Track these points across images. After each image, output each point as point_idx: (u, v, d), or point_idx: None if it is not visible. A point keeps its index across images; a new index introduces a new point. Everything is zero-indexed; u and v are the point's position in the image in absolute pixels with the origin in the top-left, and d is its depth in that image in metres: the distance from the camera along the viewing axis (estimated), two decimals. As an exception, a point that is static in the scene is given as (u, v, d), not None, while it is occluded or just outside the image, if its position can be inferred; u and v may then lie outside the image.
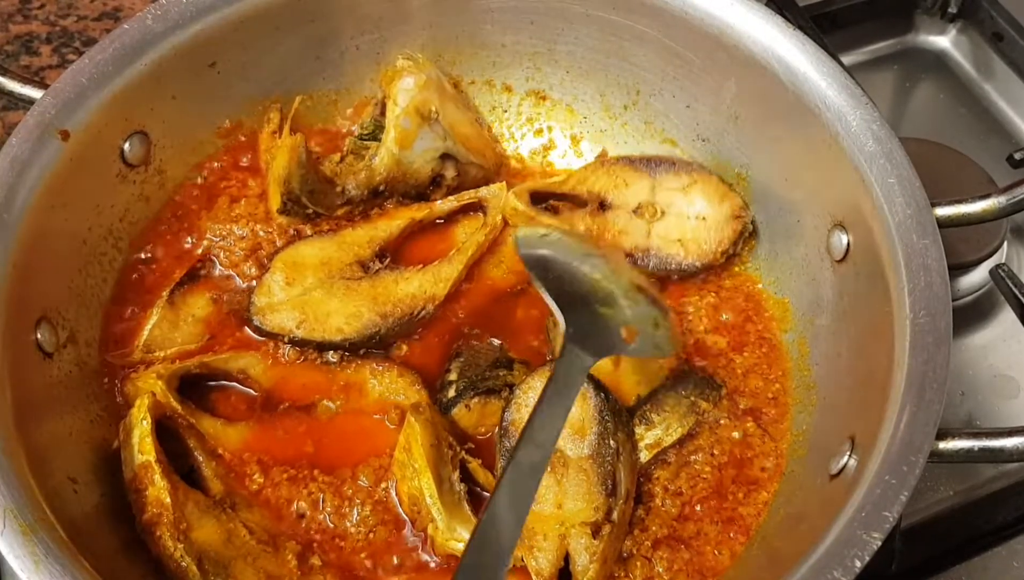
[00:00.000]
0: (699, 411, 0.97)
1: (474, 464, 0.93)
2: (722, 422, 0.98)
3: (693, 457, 0.96)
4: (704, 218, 1.08)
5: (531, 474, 0.75)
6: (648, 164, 1.11)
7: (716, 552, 0.92)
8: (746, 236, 1.09)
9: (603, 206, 1.11)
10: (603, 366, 1.00)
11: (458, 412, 0.96)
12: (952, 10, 1.47)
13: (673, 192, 1.09)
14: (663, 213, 1.09)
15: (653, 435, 0.96)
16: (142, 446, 0.87)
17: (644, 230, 1.09)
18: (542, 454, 0.77)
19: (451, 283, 1.04)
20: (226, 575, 0.84)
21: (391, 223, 1.08)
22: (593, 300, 0.94)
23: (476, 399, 0.96)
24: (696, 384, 0.99)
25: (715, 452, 0.96)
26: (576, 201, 1.13)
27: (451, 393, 0.97)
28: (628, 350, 0.92)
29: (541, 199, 1.14)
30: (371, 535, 0.91)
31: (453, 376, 0.99)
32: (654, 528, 0.92)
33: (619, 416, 0.93)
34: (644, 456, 0.95)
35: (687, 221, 1.09)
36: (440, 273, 1.05)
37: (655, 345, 0.95)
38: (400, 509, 0.92)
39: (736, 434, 0.97)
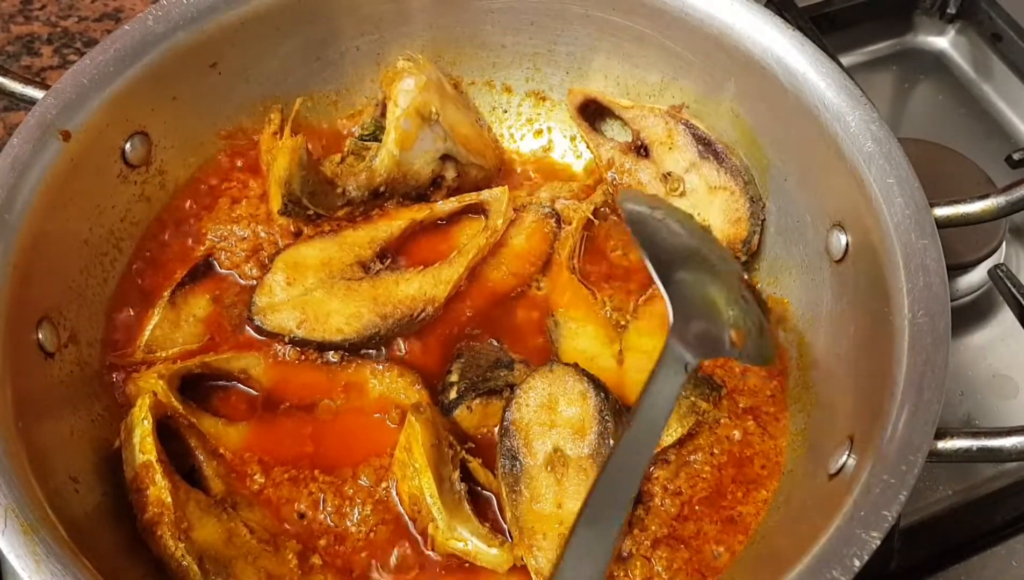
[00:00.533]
0: (699, 411, 0.97)
1: (474, 463, 0.94)
2: (722, 421, 0.98)
3: (692, 457, 0.96)
4: (709, 226, 1.08)
5: (629, 480, 0.72)
6: (703, 144, 1.09)
7: (716, 551, 0.92)
8: None
9: (641, 151, 1.13)
10: (605, 364, 1.01)
11: (460, 413, 0.96)
12: (951, 11, 1.48)
13: (703, 183, 1.09)
14: (683, 194, 1.10)
15: None
16: (143, 446, 0.87)
17: (660, 195, 1.11)
18: (639, 460, 0.73)
19: (451, 285, 1.05)
20: (227, 575, 0.84)
21: (392, 224, 1.09)
22: (704, 287, 0.86)
23: (478, 400, 0.96)
24: (696, 384, 0.99)
25: (715, 451, 0.97)
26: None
27: (452, 394, 0.97)
28: (734, 354, 0.84)
29: (592, 114, 1.18)
30: (372, 535, 0.91)
31: (454, 377, 0.99)
32: (653, 528, 0.92)
33: (619, 415, 0.93)
34: None
35: (696, 217, 1.08)
36: (440, 275, 1.05)
37: (759, 353, 0.87)
38: (401, 508, 0.93)
39: (736, 433, 0.97)
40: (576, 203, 1.13)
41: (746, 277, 0.96)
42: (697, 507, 0.94)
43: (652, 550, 0.91)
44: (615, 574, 0.89)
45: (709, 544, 0.92)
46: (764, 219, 1.09)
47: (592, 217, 1.12)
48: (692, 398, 0.98)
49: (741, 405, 1.00)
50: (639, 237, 0.84)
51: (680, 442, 0.96)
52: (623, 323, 1.05)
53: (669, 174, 1.11)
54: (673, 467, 0.95)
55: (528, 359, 1.02)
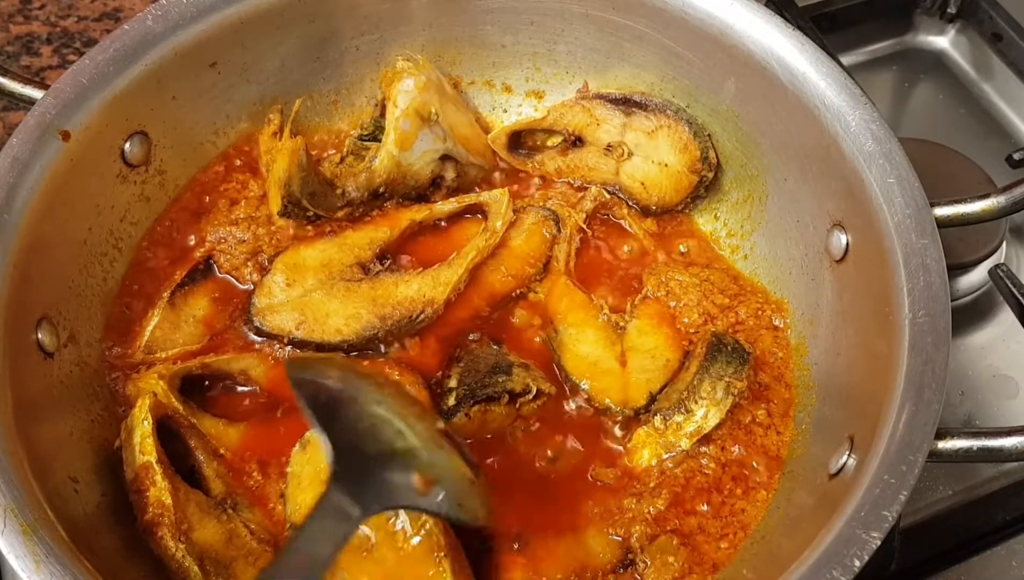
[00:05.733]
0: (735, 393, 0.96)
1: None
2: (741, 403, 0.98)
3: (702, 448, 0.96)
4: (666, 165, 1.12)
5: None
6: (622, 103, 1.14)
7: (717, 549, 0.92)
8: (704, 186, 1.13)
9: (578, 142, 1.16)
10: (609, 366, 1.01)
11: (459, 420, 0.95)
12: (951, 10, 1.47)
13: (641, 134, 1.13)
14: (631, 154, 1.14)
15: (693, 424, 0.96)
16: (143, 447, 0.87)
17: (613, 168, 1.15)
18: None
19: (450, 287, 1.04)
20: (228, 575, 0.84)
21: (391, 225, 1.09)
22: (378, 444, 0.78)
23: (476, 407, 0.95)
24: (728, 359, 0.98)
25: (725, 446, 0.97)
26: (554, 135, 1.18)
27: (451, 401, 0.97)
28: (423, 504, 0.77)
29: (519, 142, 1.19)
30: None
31: (453, 382, 0.98)
32: (648, 529, 0.92)
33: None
34: (685, 444, 0.96)
35: (651, 165, 1.13)
36: (439, 277, 1.05)
37: (461, 505, 0.79)
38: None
39: (747, 418, 0.98)
40: (568, 209, 1.13)
41: (444, 430, 0.88)
42: (703, 506, 0.94)
43: (652, 546, 0.91)
44: (619, 572, 0.90)
45: (711, 542, 0.92)
46: (710, 134, 1.11)
47: (583, 225, 1.12)
48: (727, 379, 0.97)
49: (759, 380, 1.00)
50: (307, 406, 0.76)
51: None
52: (622, 325, 1.05)
53: (609, 146, 1.14)
54: (678, 457, 0.96)
55: (528, 362, 1.02)
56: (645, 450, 0.96)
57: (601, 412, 0.99)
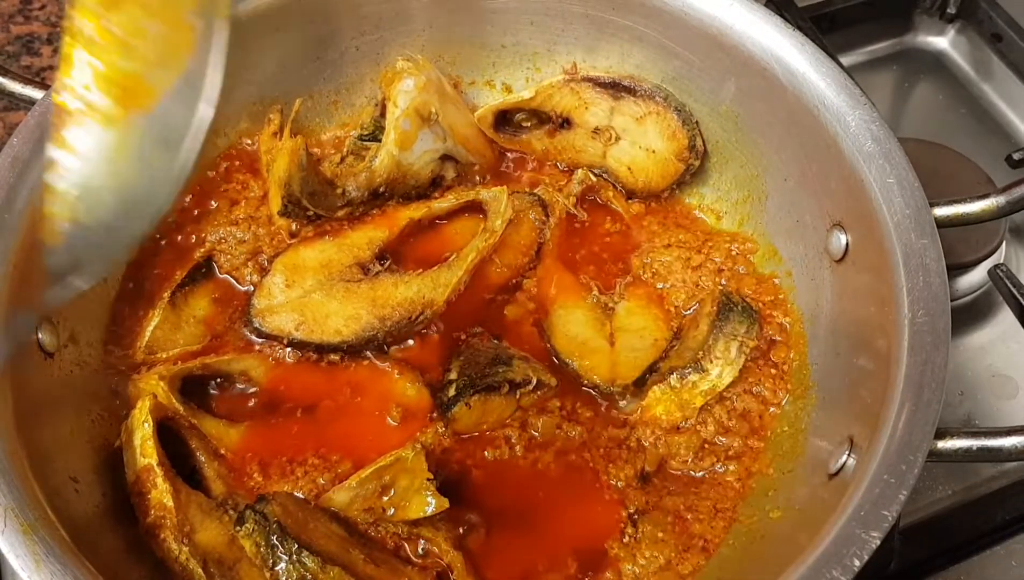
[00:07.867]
0: (747, 351, 0.98)
1: None
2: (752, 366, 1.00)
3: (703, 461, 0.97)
4: (653, 152, 1.12)
5: None
6: (611, 87, 1.14)
7: (710, 528, 0.93)
8: (691, 173, 1.13)
9: (565, 124, 1.16)
10: (597, 345, 1.03)
11: (458, 410, 0.96)
12: (951, 11, 1.48)
13: (629, 119, 1.13)
14: (618, 138, 1.14)
15: (708, 382, 0.97)
16: (144, 449, 0.87)
17: (600, 151, 1.16)
18: None
19: (450, 289, 1.04)
20: (231, 577, 0.84)
21: (390, 224, 1.08)
22: None
23: (476, 397, 0.96)
24: (740, 318, 0.99)
25: (722, 440, 0.98)
26: (540, 117, 1.17)
27: (451, 392, 0.97)
28: None
29: (506, 121, 1.19)
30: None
31: (453, 375, 0.99)
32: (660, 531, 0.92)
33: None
34: (699, 401, 0.97)
35: (638, 150, 1.13)
36: (439, 278, 1.05)
37: None
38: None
39: (751, 397, 1.00)
40: (555, 193, 1.14)
41: None
42: (705, 503, 0.95)
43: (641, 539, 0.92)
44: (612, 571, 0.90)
45: (704, 521, 0.93)
46: (697, 121, 1.11)
47: (572, 208, 1.13)
48: (740, 338, 0.98)
49: (767, 333, 1.02)
50: None
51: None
52: (611, 306, 1.06)
53: (597, 129, 1.14)
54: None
55: (528, 355, 1.02)
56: (659, 407, 0.98)
57: (590, 390, 1.01)
